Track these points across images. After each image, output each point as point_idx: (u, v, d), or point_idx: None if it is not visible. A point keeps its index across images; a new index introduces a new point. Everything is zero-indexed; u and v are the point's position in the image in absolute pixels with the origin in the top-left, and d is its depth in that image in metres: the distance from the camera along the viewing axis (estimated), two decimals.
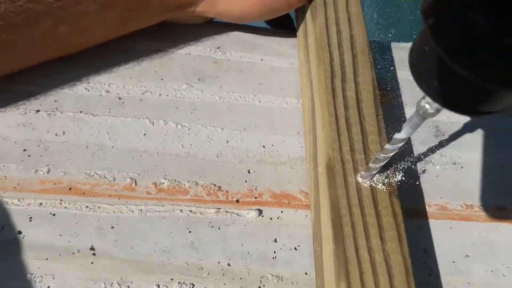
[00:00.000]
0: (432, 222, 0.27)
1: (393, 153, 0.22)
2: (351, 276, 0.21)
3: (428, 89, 0.17)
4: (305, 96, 0.31)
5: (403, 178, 0.25)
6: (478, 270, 0.26)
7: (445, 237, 0.27)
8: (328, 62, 0.29)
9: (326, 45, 0.30)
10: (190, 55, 0.32)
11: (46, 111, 0.27)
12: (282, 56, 0.34)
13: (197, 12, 0.31)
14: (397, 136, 0.20)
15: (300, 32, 0.34)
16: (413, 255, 0.23)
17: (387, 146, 0.22)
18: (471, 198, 0.29)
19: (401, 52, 0.36)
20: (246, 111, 0.30)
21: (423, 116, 0.18)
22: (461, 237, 0.27)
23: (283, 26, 0.37)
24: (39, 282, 0.22)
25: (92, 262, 0.22)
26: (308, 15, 0.32)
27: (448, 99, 0.16)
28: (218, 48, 0.33)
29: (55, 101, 0.28)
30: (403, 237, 0.23)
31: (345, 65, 0.29)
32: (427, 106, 0.17)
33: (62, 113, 0.27)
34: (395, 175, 0.25)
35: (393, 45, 0.37)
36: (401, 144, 0.21)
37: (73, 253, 0.23)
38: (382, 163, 0.23)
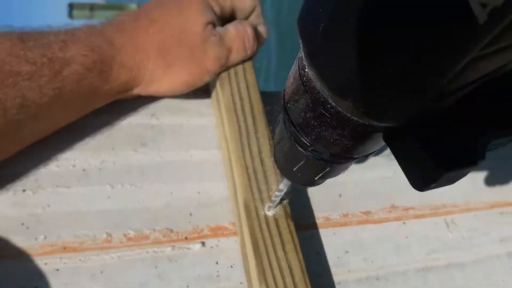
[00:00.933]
0: (321, 231, 0.40)
1: (283, 193, 0.34)
2: (268, 280, 0.33)
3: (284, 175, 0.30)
4: (224, 148, 0.42)
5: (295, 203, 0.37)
6: (355, 260, 0.40)
7: (331, 241, 0.40)
8: (236, 124, 0.40)
9: (233, 111, 0.41)
10: (131, 124, 0.42)
11: (31, 190, 0.36)
12: (202, 115, 0.45)
13: (133, 95, 0.41)
14: (280, 187, 0.33)
15: (213, 97, 0.45)
16: (309, 258, 0.36)
17: (278, 189, 0.34)
18: (346, 209, 0.42)
19: None
20: (182, 165, 0.41)
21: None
22: (342, 239, 0.40)
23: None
24: None
25: None
26: (217, 85, 0.44)
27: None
28: (153, 115, 0.44)
29: (35, 180, 0.37)
30: (298, 247, 0.35)
31: (247, 125, 0.40)
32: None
33: (43, 189, 0.36)
34: (288, 204, 0.37)
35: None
36: (283, 191, 0.34)
37: None
38: (278, 199, 0.35)
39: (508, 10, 0.12)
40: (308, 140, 0.23)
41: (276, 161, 0.30)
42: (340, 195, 0.43)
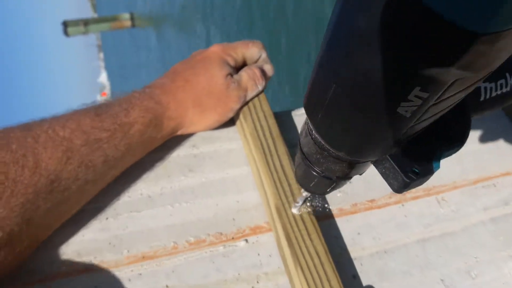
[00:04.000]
0: (336, 220, 0.45)
1: (305, 198, 0.40)
2: (301, 262, 0.39)
3: (304, 189, 0.35)
4: (252, 165, 0.48)
5: (317, 203, 0.42)
6: (366, 239, 0.45)
7: (345, 227, 0.45)
8: (260, 146, 0.46)
9: (257, 136, 0.47)
10: (179, 155, 0.48)
11: (112, 217, 0.42)
12: (231, 140, 0.51)
13: (176, 134, 0.47)
14: (303, 193, 0.38)
15: (238, 126, 0.51)
16: (329, 241, 0.41)
17: (301, 195, 0.40)
18: (355, 200, 0.47)
19: (298, 118, 0.54)
20: (221, 182, 0.47)
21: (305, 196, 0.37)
22: (354, 224, 0.45)
23: None
24: None
25: None
26: (241, 117, 0.49)
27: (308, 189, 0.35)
28: (194, 146, 0.50)
29: (114, 209, 0.43)
30: (320, 235, 0.40)
31: (269, 146, 0.46)
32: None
33: (121, 215, 0.43)
34: (310, 205, 0.42)
35: (293, 113, 0.54)
36: (304, 196, 0.39)
37: None
38: (301, 202, 0.41)
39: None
40: (318, 170, 0.30)
41: (296, 177, 0.36)
42: (349, 190, 0.48)
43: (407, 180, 0.26)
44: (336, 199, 0.47)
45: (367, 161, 0.27)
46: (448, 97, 0.19)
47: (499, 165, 0.53)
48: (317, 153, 0.28)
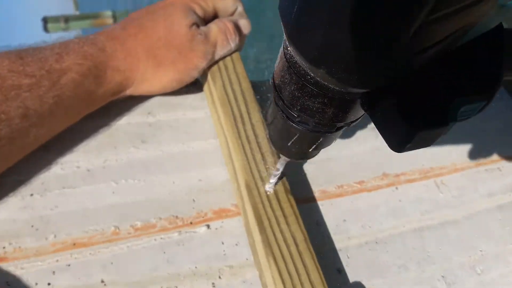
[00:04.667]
0: (319, 203, 0.38)
1: (280, 171, 0.32)
2: (274, 252, 0.31)
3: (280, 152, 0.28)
4: (221, 136, 0.40)
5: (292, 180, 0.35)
6: (353, 227, 0.37)
7: (329, 211, 0.37)
8: (230, 113, 0.38)
9: (227, 101, 0.39)
10: (130, 123, 0.40)
11: (38, 193, 0.34)
12: (196, 109, 0.43)
13: (126, 95, 0.39)
14: (277, 165, 0.31)
15: (206, 90, 0.43)
16: (310, 228, 0.33)
17: (276, 168, 0.32)
18: (341, 180, 0.40)
19: None
20: (182, 156, 0.39)
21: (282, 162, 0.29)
22: (339, 209, 0.38)
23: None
24: None
25: None
26: (209, 79, 0.41)
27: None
28: (149, 113, 0.41)
29: (42, 183, 0.34)
30: (300, 219, 0.33)
31: (242, 112, 0.38)
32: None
33: (50, 192, 0.34)
34: (286, 181, 0.35)
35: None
36: (281, 169, 0.31)
37: None
38: (277, 177, 0.33)
39: None
40: (295, 111, 0.23)
41: (271, 140, 0.28)
42: (334, 169, 0.40)
43: (413, 131, 0.18)
44: (318, 179, 0.39)
45: (357, 97, 0.20)
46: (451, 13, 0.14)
47: (504, 147, 0.47)
48: (292, 83, 0.21)
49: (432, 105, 0.19)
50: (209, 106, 0.42)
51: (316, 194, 0.38)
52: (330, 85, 0.19)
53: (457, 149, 0.45)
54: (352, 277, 0.34)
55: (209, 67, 0.41)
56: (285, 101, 0.23)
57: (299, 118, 0.23)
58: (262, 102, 0.40)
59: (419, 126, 0.18)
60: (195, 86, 0.44)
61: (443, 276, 0.36)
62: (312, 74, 0.20)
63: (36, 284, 0.29)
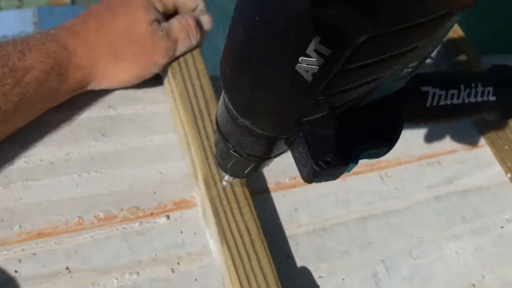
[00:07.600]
0: (273, 194, 0.42)
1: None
2: (228, 240, 0.35)
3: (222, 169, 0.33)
4: (180, 131, 0.43)
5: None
6: (303, 216, 0.42)
7: (282, 202, 0.42)
8: (190, 108, 0.41)
9: (187, 97, 0.42)
10: (91, 117, 0.43)
11: (1, 185, 0.36)
12: (157, 103, 0.46)
13: (87, 90, 0.41)
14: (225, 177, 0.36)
15: (166, 85, 0.46)
16: (263, 218, 0.38)
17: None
18: (295, 172, 0.44)
19: None
20: (142, 150, 0.42)
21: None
22: (292, 199, 0.42)
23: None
24: None
25: (71, 277, 0.33)
26: (169, 74, 0.44)
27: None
28: (110, 107, 0.44)
29: (5, 176, 0.37)
30: (253, 210, 0.37)
31: (201, 108, 0.42)
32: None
33: (13, 184, 0.37)
34: None
35: None
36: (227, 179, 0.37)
37: (56, 275, 0.33)
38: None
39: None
40: (231, 143, 0.28)
41: (216, 159, 0.33)
42: (288, 162, 0.45)
43: (316, 169, 0.24)
44: (273, 171, 0.44)
45: (278, 139, 0.26)
46: (360, 67, 0.17)
47: (445, 142, 0.53)
48: (228, 123, 0.26)
49: (338, 149, 0.24)
50: (170, 100, 0.46)
51: (271, 186, 0.43)
52: (254, 129, 0.24)
53: (401, 144, 0.51)
54: (300, 262, 0.39)
55: (170, 62, 0.44)
56: (223, 133, 0.28)
57: (234, 148, 0.28)
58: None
59: (322, 167, 0.24)
60: (156, 80, 0.47)
61: (382, 261, 0.42)
62: (241, 120, 0.24)
63: (3, 272, 0.32)
